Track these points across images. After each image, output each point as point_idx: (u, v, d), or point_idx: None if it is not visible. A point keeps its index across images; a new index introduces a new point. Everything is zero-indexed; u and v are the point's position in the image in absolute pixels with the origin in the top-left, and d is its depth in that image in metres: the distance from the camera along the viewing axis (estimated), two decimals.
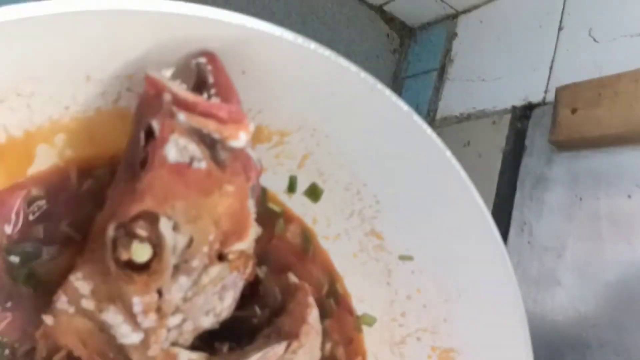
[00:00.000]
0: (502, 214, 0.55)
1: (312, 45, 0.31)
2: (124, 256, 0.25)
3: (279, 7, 0.77)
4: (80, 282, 0.27)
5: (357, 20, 0.83)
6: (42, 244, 0.32)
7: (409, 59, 0.85)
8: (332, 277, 0.42)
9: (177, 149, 0.26)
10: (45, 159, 0.33)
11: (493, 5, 0.70)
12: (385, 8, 0.85)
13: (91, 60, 0.30)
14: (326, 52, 0.32)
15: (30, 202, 0.32)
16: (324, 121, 0.37)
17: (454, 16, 0.77)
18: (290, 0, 0.78)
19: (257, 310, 0.34)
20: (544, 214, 0.52)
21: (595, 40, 0.54)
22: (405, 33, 0.88)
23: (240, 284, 0.30)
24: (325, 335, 0.39)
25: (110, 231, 0.26)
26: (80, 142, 0.34)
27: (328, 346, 0.40)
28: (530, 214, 0.53)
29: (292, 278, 0.37)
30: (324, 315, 0.40)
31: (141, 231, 0.25)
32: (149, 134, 0.27)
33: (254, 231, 0.29)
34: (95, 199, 0.33)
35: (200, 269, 0.27)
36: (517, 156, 0.58)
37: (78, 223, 0.32)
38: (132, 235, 0.26)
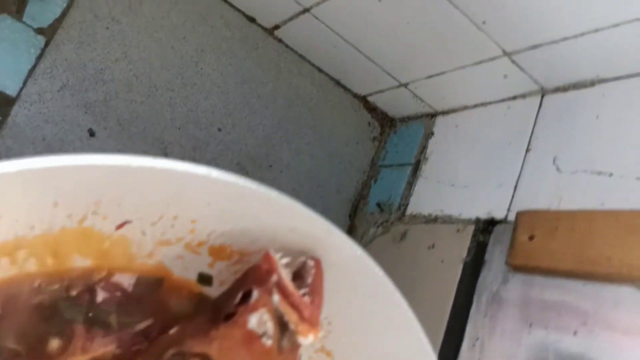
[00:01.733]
0: (457, 326, 0.56)
1: (274, 194, 0.33)
2: None
3: (266, 92, 0.79)
4: None
5: (341, 107, 0.86)
6: None
7: (387, 148, 0.87)
8: None
9: (259, 320, 0.32)
10: (5, 272, 0.34)
11: (469, 112, 0.73)
12: (369, 99, 0.88)
13: (61, 190, 0.32)
14: (289, 202, 0.34)
15: None
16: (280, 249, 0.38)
17: (433, 115, 0.80)
18: (278, 84, 0.81)
19: None
20: (496, 333, 0.54)
21: (558, 169, 0.56)
22: (386, 123, 0.90)
23: None
24: None
25: (169, 353, 0.31)
26: (41, 257, 0.35)
27: None
28: (483, 331, 0.55)
29: None
30: None
31: None
32: (245, 296, 0.34)
33: None
34: (42, 314, 0.34)
35: None
36: (477, 269, 0.59)
37: (23, 337, 0.33)
38: None
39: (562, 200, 0.53)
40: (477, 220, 0.62)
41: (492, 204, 0.62)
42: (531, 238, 0.52)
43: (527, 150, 0.61)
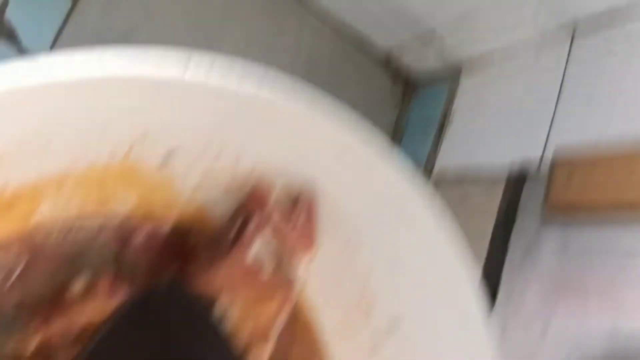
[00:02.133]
0: (491, 278, 0.55)
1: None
2: None
3: (286, 58, 0.79)
4: None
5: (362, 75, 0.85)
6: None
7: (410, 113, 0.87)
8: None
9: (256, 250, 0.33)
10: (48, 211, 0.34)
11: (494, 67, 0.72)
12: (391, 63, 0.88)
13: (112, 111, 0.31)
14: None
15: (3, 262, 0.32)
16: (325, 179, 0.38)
17: (456, 75, 0.79)
18: (298, 52, 0.81)
19: None
20: (533, 283, 0.53)
21: (592, 110, 0.55)
22: (407, 88, 0.90)
23: None
24: None
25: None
26: (84, 194, 0.34)
27: None
28: (519, 283, 0.54)
29: None
30: None
31: None
32: (244, 224, 0.34)
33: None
34: (71, 258, 0.34)
35: None
36: (510, 221, 0.59)
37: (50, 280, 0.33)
38: None
39: (599, 138, 0.52)
40: (509, 173, 0.61)
41: (524, 155, 0.61)
42: (569, 179, 0.52)
43: (559, 96, 0.60)
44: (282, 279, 0.34)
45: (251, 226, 0.33)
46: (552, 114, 0.60)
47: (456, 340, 0.39)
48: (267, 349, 0.33)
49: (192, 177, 0.36)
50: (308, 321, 0.42)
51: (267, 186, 0.35)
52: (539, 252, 0.54)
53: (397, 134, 0.87)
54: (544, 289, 0.52)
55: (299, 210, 0.35)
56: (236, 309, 0.32)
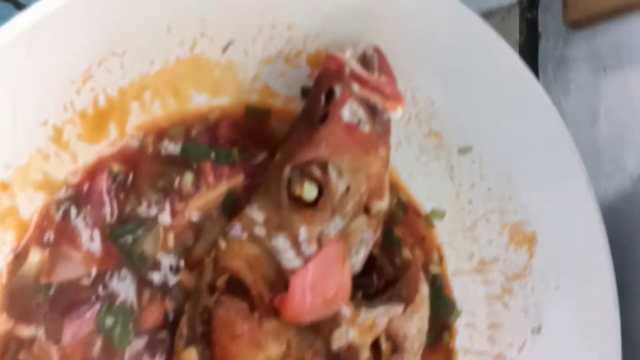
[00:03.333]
0: None
1: None
2: (297, 192, 0.32)
3: None
4: (255, 212, 0.33)
5: None
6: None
7: None
8: (397, 189, 0.45)
9: (350, 111, 0.34)
10: (137, 118, 0.35)
11: None
12: None
13: (171, 9, 0.32)
14: None
15: (113, 179, 0.35)
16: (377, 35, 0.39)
17: None
18: None
19: (375, 278, 0.39)
20: (572, 91, 0.55)
21: None
22: None
23: (370, 244, 0.36)
24: (400, 242, 0.44)
25: (287, 171, 0.33)
26: (164, 96, 0.36)
27: (406, 251, 0.44)
28: (557, 94, 0.56)
29: (406, 254, 0.42)
30: (394, 224, 0.44)
31: (316, 172, 0.32)
32: (328, 96, 0.35)
33: (387, 195, 0.36)
34: (169, 160, 0.36)
35: (351, 215, 0.34)
36: (534, 44, 0.60)
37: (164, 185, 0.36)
38: (305, 176, 0.33)
39: None
40: (520, 1, 0.62)
41: None
42: None
43: None
44: (380, 130, 0.35)
45: (337, 96, 0.34)
46: None
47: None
48: (384, 205, 0.35)
49: (252, 60, 0.38)
50: None
51: (338, 57, 0.35)
52: (570, 63, 0.56)
53: None
54: (584, 94, 0.54)
55: (373, 70, 0.35)
56: (346, 164, 0.33)
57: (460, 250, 0.45)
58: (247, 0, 0.35)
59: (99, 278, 0.32)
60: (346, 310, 0.33)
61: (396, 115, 0.36)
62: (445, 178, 0.46)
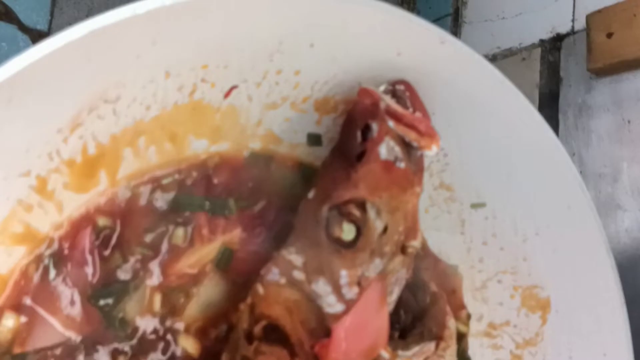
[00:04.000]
0: None
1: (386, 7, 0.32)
2: (336, 233, 0.31)
3: None
4: (293, 256, 0.32)
5: None
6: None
7: (419, 7, 0.84)
8: None
9: (387, 148, 0.32)
10: (130, 165, 0.33)
11: None
12: None
13: (171, 55, 0.30)
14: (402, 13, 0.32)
15: (97, 234, 0.32)
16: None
17: None
18: None
19: (402, 314, 0.37)
20: (593, 141, 0.53)
21: None
22: None
23: (403, 282, 0.34)
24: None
25: (325, 211, 0.31)
26: (160, 142, 0.34)
27: (432, 285, 0.42)
28: (578, 143, 0.54)
29: (433, 287, 0.40)
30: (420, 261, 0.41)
31: (355, 212, 0.31)
32: (364, 132, 0.34)
33: (420, 233, 0.34)
34: (161, 212, 0.34)
35: (389, 256, 0.32)
36: (554, 89, 0.58)
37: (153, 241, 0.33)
38: (344, 216, 0.31)
39: None
40: (542, 42, 0.60)
41: (554, 21, 0.59)
42: (609, 35, 0.50)
43: None
44: (415, 166, 0.34)
45: (374, 133, 0.33)
46: None
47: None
48: (418, 244, 0.34)
49: (256, 105, 0.36)
50: None
51: (373, 92, 0.34)
52: (592, 111, 0.54)
53: None
54: (606, 145, 0.52)
55: (407, 106, 0.34)
56: (384, 203, 0.32)
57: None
58: (252, 45, 0.32)
59: (78, 346, 0.30)
60: (385, 354, 0.32)
61: (431, 152, 0.34)
62: (456, 233, 0.43)
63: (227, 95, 0.34)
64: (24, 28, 0.59)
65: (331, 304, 0.31)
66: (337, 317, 0.31)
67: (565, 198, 0.40)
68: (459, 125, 0.39)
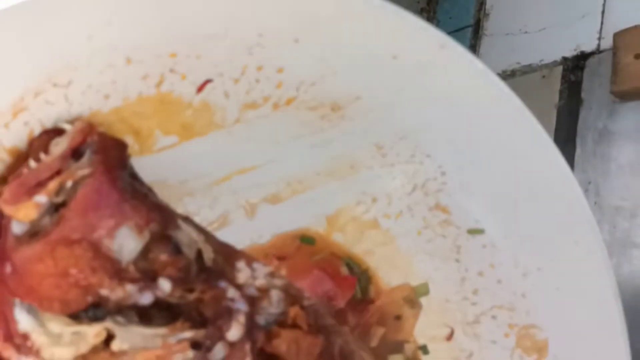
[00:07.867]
0: None
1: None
2: None
3: None
4: None
5: None
6: None
7: (439, 17, 0.81)
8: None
9: None
10: None
11: None
12: None
13: (131, 39, 0.27)
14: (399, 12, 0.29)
15: None
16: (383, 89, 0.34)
17: None
18: None
19: None
20: (612, 171, 0.49)
21: None
22: None
23: None
24: None
25: None
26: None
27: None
28: (595, 172, 0.50)
29: None
30: None
31: None
32: None
33: None
34: None
35: None
36: (574, 110, 0.54)
37: None
38: None
39: None
40: (564, 60, 0.56)
41: (578, 38, 0.55)
42: (638, 56, 0.46)
43: None
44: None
45: None
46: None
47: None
48: None
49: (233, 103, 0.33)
50: None
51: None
52: (613, 137, 0.49)
53: None
54: (626, 177, 0.47)
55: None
56: None
57: (456, 347, 0.39)
58: (227, 34, 0.29)
59: None
60: None
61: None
62: (450, 260, 0.40)
63: (200, 89, 0.31)
64: None
65: None
66: None
67: (573, 233, 0.35)
68: (459, 142, 0.35)
